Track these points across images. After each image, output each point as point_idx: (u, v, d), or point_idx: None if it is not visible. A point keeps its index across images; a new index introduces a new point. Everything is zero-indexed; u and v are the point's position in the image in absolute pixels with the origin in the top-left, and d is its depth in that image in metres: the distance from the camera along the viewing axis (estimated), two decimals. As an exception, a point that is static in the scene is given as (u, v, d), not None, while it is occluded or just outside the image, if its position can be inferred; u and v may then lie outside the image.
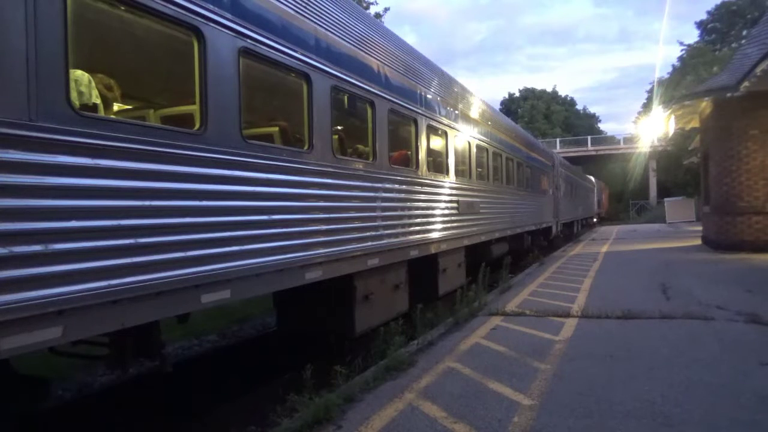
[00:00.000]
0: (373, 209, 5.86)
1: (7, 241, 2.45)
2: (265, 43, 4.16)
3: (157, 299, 3.23)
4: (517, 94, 73.85)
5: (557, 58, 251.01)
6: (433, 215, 7.53)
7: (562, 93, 76.79)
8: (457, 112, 8.70)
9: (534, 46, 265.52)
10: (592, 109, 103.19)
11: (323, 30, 4.97)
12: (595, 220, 39.26)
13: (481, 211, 9.75)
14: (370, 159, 6.00)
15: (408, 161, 7.25)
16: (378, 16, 22.91)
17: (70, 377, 6.13)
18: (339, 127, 5.77)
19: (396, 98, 6.43)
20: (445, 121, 8.13)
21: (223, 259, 3.71)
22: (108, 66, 4.41)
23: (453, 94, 8.68)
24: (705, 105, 14.93)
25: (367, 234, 5.71)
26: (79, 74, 3.64)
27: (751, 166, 13.56)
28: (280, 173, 4.38)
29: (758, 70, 10.87)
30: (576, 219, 27.21)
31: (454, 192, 8.38)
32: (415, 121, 7.03)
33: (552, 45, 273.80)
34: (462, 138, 8.94)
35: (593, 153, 55.06)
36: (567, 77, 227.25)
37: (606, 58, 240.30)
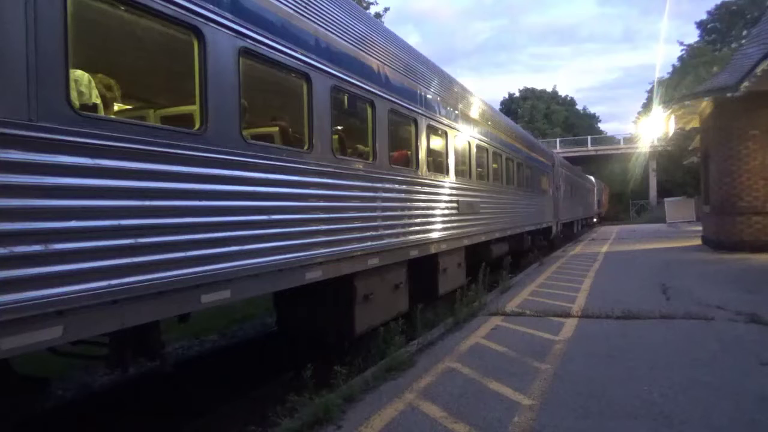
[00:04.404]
0: (373, 209, 5.86)
1: (7, 241, 2.45)
2: (265, 43, 4.16)
3: (157, 299, 3.23)
4: (517, 94, 73.89)
5: (560, 57, 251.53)
6: (433, 215, 7.53)
7: (565, 93, 76.98)
8: (457, 112, 8.70)
9: (537, 45, 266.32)
10: (595, 109, 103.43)
11: (323, 30, 4.97)
12: (595, 220, 39.24)
13: (481, 211, 9.74)
14: (370, 159, 5.99)
15: (408, 161, 7.24)
16: (378, 16, 22.94)
17: (70, 377, 6.13)
18: (339, 127, 5.77)
19: (396, 98, 6.43)
20: (445, 121, 8.12)
21: (223, 259, 3.71)
22: (108, 66, 4.41)
23: (453, 94, 8.67)
24: (705, 105, 14.93)
25: (367, 234, 5.70)
26: (79, 74, 3.64)
27: (751, 166, 13.58)
28: (280, 173, 4.38)
29: (758, 70, 10.89)
30: (576, 219, 27.20)
31: (454, 192, 8.37)
32: (415, 121, 7.03)
33: (555, 44, 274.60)
34: (462, 138, 8.94)
35: (593, 153, 54.99)
36: (570, 77, 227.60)
37: (610, 58, 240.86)
